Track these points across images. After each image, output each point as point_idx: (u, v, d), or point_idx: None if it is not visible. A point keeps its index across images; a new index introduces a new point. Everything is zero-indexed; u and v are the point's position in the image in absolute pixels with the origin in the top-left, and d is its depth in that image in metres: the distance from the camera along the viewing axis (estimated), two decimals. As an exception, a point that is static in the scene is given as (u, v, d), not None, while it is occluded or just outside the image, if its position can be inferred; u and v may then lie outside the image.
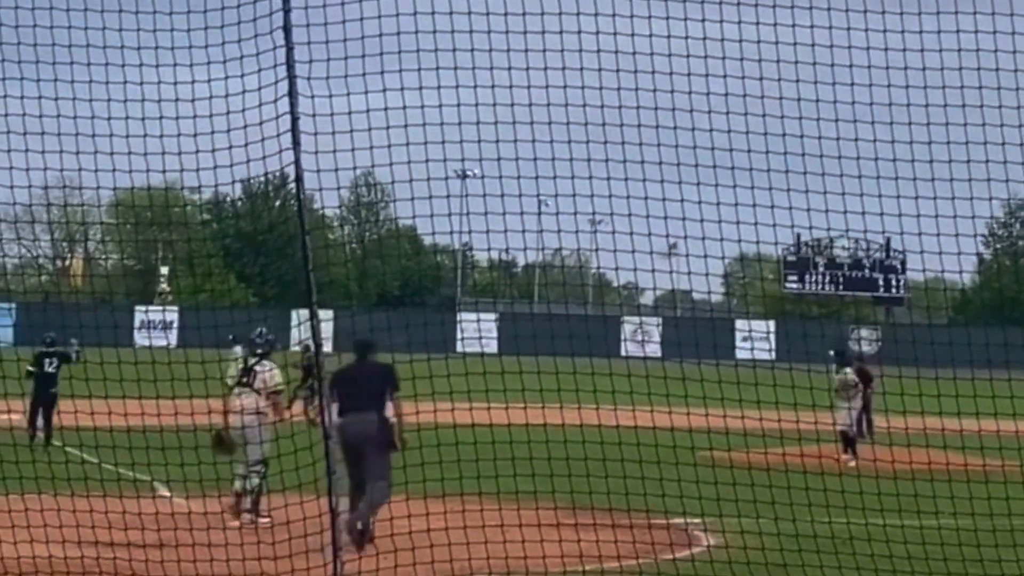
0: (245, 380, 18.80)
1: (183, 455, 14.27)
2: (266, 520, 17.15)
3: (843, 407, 28.30)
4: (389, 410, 16.31)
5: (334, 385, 15.93)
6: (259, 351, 19.09)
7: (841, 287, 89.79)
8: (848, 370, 29.22)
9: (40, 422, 28.15)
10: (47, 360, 28.22)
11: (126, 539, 14.96)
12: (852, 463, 23.69)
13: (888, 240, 70.43)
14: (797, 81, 12.93)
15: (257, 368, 18.86)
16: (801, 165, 13.14)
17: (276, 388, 18.85)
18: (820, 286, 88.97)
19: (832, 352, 29.18)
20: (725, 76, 12.97)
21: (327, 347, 14.91)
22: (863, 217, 13.42)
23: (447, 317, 60.73)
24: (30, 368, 26.79)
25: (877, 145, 13.12)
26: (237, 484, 18.43)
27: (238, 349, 21.66)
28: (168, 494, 18.80)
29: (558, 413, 13.75)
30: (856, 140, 13.05)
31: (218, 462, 15.49)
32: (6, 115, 13.30)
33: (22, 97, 13.33)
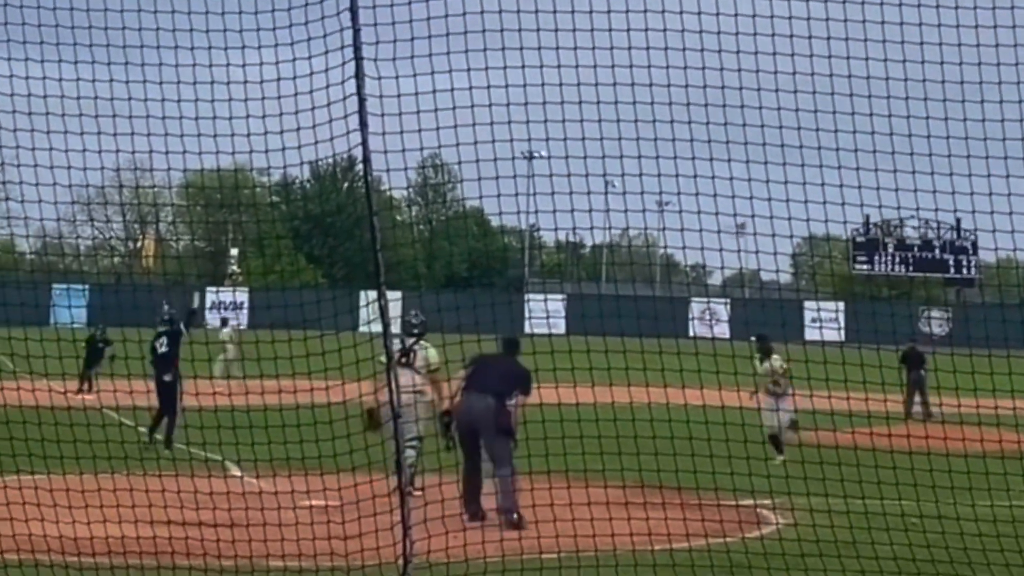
0: (404, 360, 19.48)
1: (253, 435, 14.38)
2: (418, 493, 17.66)
3: (770, 407, 24.37)
4: (512, 401, 16.65)
5: (469, 366, 17.12)
6: (415, 332, 19.99)
7: (911, 268, 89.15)
8: (777, 357, 24.87)
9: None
10: (160, 340, 25.88)
11: (197, 518, 15.11)
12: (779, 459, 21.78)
13: (959, 220, 69.88)
14: (866, 59, 12.84)
15: (416, 347, 19.70)
16: (870, 144, 13.06)
17: (434, 367, 19.61)
18: (890, 267, 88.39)
19: (753, 338, 24.86)
20: (792, 55, 12.88)
21: (395, 328, 14.97)
22: (934, 196, 13.31)
23: (515, 298, 60.78)
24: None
25: (949, 123, 13.01)
26: (409, 459, 19.39)
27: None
28: (239, 474, 18.99)
29: (626, 393, 13.75)
30: (927, 118, 12.94)
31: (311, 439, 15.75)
32: (78, 98, 13.44)
33: (93, 80, 13.45)
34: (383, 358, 19.91)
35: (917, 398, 33.96)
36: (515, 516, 15.70)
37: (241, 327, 45.21)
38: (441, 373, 19.39)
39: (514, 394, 16.71)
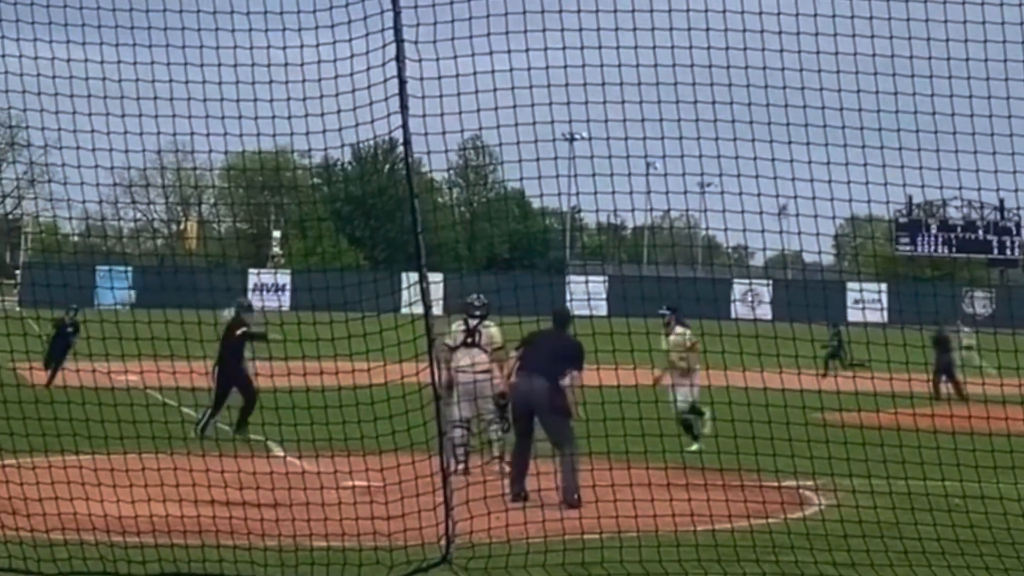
0: (470, 340, 20.03)
1: (296, 416, 14.44)
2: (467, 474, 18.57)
3: (683, 384, 22.07)
4: (567, 381, 16.66)
5: (521, 346, 17.24)
6: (477, 314, 20.52)
7: (954, 249, 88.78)
8: (682, 330, 22.40)
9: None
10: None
11: (241, 498, 15.18)
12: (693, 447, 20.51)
13: (1002, 201, 69.48)
14: (909, 39, 12.77)
15: (481, 328, 20.35)
16: (914, 124, 13.00)
17: (497, 346, 20.19)
18: (933, 248, 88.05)
19: (664, 309, 22.61)
20: (835, 35, 12.84)
21: (437, 310, 15.02)
22: (977, 176, 13.23)
23: (556, 280, 60.76)
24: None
25: (991, 102, 12.93)
26: (456, 434, 19.90)
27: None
28: (282, 454, 19.07)
29: (667, 375, 13.74)
30: (970, 97, 12.88)
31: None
32: (120, 80, 13.51)
33: (135, 63, 13.51)
34: (448, 340, 20.34)
35: (944, 379, 34.10)
36: (575, 496, 15.73)
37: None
38: (504, 352, 19.62)
39: (568, 371, 16.71)
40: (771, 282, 67.38)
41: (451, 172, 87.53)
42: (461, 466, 20.19)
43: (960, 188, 13.35)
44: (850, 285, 57.58)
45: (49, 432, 14.29)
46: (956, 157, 13.03)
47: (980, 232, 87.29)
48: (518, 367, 17.47)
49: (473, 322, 20.65)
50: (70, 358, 31.11)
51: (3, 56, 13.20)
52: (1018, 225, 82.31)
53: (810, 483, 16.07)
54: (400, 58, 12.61)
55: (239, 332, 24.04)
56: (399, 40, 12.63)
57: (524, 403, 16.96)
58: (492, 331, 20.60)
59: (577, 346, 17.05)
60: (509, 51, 13.01)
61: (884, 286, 60.49)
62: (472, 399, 20.14)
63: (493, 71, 12.97)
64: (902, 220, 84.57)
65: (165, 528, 13.07)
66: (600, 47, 12.85)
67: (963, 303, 71.87)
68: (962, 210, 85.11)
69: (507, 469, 18.62)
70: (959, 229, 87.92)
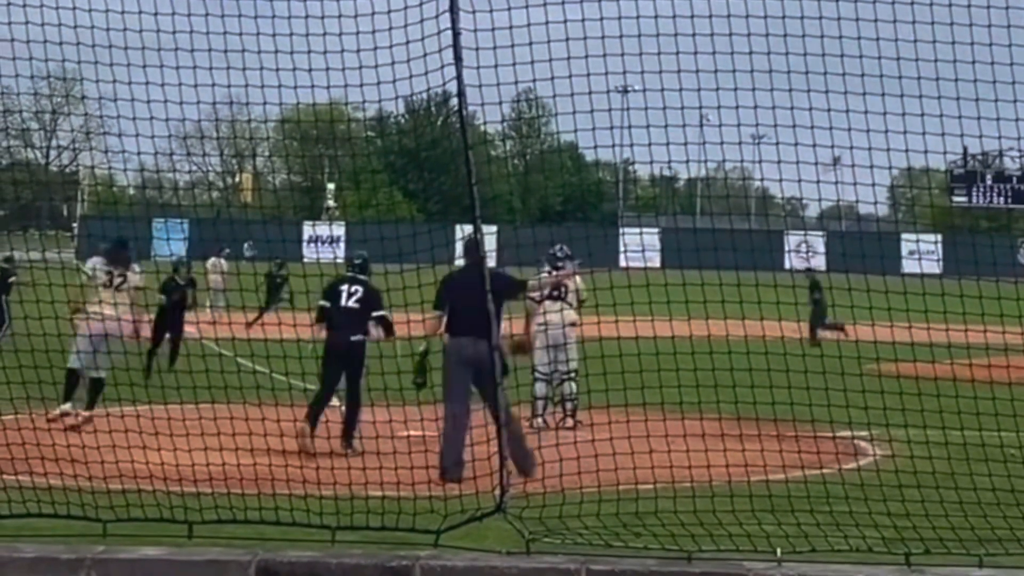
0: (556, 294, 20.17)
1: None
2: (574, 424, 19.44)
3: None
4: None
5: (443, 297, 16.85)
6: (559, 265, 20.88)
7: (1010, 200, 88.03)
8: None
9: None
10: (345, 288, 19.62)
11: (296, 447, 15.30)
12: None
13: (1061, 151, 68.73)
14: (966, -15, 12.65)
15: (566, 282, 20.72)
16: (971, 73, 12.89)
17: (584, 297, 20.42)
18: (988, 199, 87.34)
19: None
20: (892, -17, 12.74)
21: (491, 261, 15.08)
22: (1034, 125, 13.12)
23: (610, 232, 60.69)
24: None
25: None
26: (539, 388, 20.11)
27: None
28: (337, 403, 19.22)
29: (722, 325, 13.75)
30: (1030, 46, 12.76)
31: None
32: (174, 32, 13.55)
33: (189, 15, 13.54)
34: (535, 294, 20.47)
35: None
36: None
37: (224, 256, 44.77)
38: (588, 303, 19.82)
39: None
40: (825, 233, 67.03)
41: (504, 124, 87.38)
42: (540, 420, 20.32)
43: (1019, 139, 13.21)
44: (904, 236, 57.21)
45: (108, 382, 14.44)
46: (1015, 107, 12.93)
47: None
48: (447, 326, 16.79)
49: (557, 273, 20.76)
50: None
51: (57, 8, 13.25)
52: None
53: (865, 434, 16.05)
54: (454, 9, 12.59)
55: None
56: (453, -10, 12.61)
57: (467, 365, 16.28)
58: (578, 282, 20.66)
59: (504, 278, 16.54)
60: (564, 2, 12.97)
61: (939, 237, 60.10)
62: (555, 352, 20.33)
63: (547, 23, 12.94)
64: (957, 171, 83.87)
65: (222, 477, 13.20)
66: (655, -3, 12.80)
67: (1018, 254, 71.32)
68: (1018, 160, 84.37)
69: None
70: (1015, 180, 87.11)
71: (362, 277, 19.58)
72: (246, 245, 29.53)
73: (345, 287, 19.37)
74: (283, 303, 32.77)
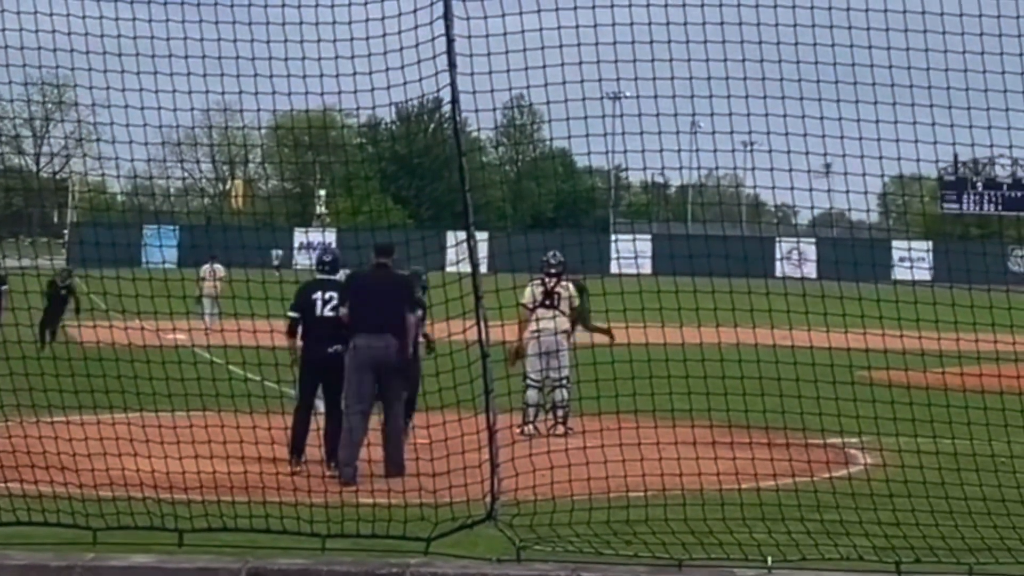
0: (549, 303, 20.08)
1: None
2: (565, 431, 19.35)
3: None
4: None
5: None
6: (553, 272, 20.54)
7: (1000, 207, 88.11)
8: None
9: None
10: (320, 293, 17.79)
11: (286, 455, 15.27)
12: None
13: (1051, 158, 68.86)
14: (958, -6, 12.68)
15: (559, 290, 20.35)
16: (962, 82, 12.89)
17: (576, 307, 20.54)
18: (979, 206, 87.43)
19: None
20: (884, -9, 12.74)
21: (483, 268, 15.06)
22: (1024, 134, 13.15)
23: (601, 238, 60.71)
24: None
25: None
26: (530, 395, 20.10)
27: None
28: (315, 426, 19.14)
29: (713, 332, 13.74)
30: (1021, 55, 12.76)
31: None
32: (168, 39, 13.54)
33: (183, 21, 13.54)
34: (527, 302, 20.44)
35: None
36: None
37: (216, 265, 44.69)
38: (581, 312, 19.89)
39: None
40: (816, 240, 67.03)
41: (496, 131, 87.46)
42: (530, 427, 20.30)
43: (1011, 147, 13.24)
44: (895, 243, 57.30)
45: (98, 390, 14.41)
46: (1007, 116, 12.94)
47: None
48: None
49: (550, 282, 20.65)
50: (70, 318, 32.21)
51: (51, 15, 13.25)
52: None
53: (855, 441, 16.05)
54: (447, 16, 12.59)
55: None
56: (447, -3, 12.60)
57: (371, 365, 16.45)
58: (572, 291, 20.60)
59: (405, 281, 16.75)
60: (557, 9, 12.96)
61: (930, 244, 60.13)
62: (548, 359, 20.33)
63: (541, 29, 12.93)
64: (948, 178, 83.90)
65: (212, 485, 13.17)
66: (648, 4, 12.79)
67: (1009, 261, 71.42)
68: (1009, 168, 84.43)
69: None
70: (1005, 187, 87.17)
71: (335, 279, 17.90)
72: (274, 253, 29.50)
73: (319, 295, 17.51)
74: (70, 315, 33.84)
